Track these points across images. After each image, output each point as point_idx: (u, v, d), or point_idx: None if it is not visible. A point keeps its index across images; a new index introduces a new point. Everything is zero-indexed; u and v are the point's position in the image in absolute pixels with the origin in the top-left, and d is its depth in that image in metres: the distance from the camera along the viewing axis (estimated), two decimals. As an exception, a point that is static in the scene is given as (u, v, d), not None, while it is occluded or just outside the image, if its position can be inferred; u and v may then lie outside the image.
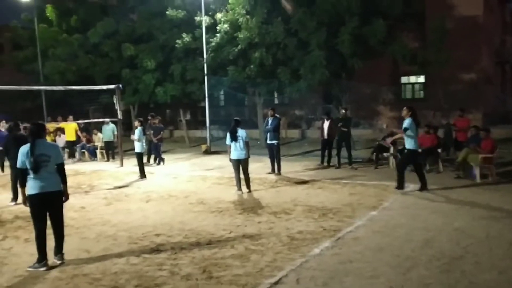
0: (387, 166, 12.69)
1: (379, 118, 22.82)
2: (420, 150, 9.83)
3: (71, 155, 17.03)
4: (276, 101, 24.26)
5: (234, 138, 9.40)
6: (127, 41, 20.87)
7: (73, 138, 16.83)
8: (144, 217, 7.71)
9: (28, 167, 5.29)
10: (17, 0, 23.67)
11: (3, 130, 12.69)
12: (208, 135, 19.12)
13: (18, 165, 5.35)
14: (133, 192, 10.15)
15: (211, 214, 7.72)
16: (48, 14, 23.12)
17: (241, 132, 9.44)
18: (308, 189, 9.79)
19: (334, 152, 13.04)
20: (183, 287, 4.65)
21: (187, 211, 8.07)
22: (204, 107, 19.66)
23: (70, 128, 16.75)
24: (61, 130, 17.34)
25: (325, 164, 13.10)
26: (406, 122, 9.09)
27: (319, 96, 22.82)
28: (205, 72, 18.50)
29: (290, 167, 12.96)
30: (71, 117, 16.97)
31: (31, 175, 5.31)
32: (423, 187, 9.12)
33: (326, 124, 13.04)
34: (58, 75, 21.67)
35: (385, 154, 12.88)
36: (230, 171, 10.25)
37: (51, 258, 5.44)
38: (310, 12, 16.52)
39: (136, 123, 12.49)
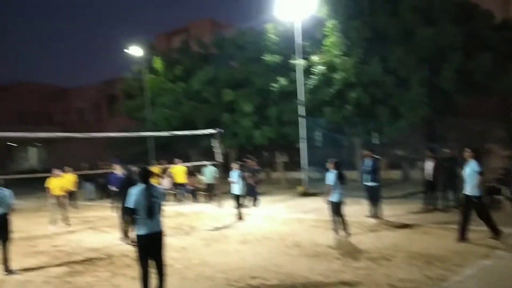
0: (501, 209, 11.57)
1: (489, 158, 21.14)
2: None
3: (180, 197, 17.69)
4: (375, 141, 23.62)
5: (341, 179, 9.24)
6: (226, 87, 21.92)
7: (182, 180, 17.55)
8: (241, 258, 7.76)
9: (141, 208, 5.56)
10: (129, 54, 26.14)
11: (117, 173, 13.66)
12: (305, 176, 19.03)
13: (130, 205, 5.63)
14: (231, 233, 10.31)
15: (307, 258, 7.55)
16: (155, 65, 25.17)
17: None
18: (411, 234, 9.22)
19: (439, 194, 12.22)
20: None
21: (283, 253, 7.97)
22: (301, 149, 19.70)
23: (180, 171, 17.52)
24: (165, 173, 18.31)
25: (430, 207, 12.28)
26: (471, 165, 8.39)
27: (422, 135, 21.78)
28: (302, 113, 18.65)
29: (391, 210, 12.35)
30: (180, 160, 17.77)
31: (142, 216, 5.57)
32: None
33: (430, 164, 12.31)
34: (163, 121, 23.26)
35: (498, 197, 11.78)
36: (327, 213, 10.03)
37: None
38: (409, 49, 16.11)
39: (234, 165, 12.81)
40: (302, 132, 18.78)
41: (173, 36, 38.13)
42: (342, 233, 9.24)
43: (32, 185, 24.97)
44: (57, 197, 12.73)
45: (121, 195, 9.00)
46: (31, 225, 12.97)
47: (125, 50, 26.03)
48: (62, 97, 47.25)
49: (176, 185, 17.71)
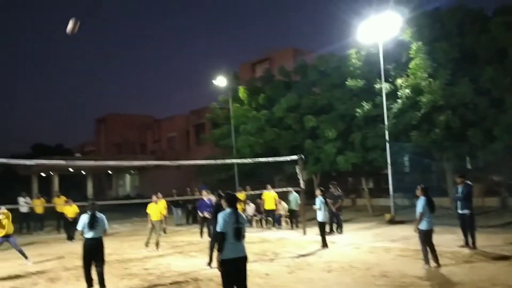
0: None
1: None
2: None
3: (275, 223, 17.47)
4: (468, 166, 22.29)
5: (431, 206, 8.86)
6: (309, 113, 22.01)
7: (271, 207, 17.58)
8: (325, 287, 7.63)
9: (228, 232, 5.71)
10: (215, 84, 27.29)
11: (205, 199, 14.13)
12: (392, 203, 18.36)
13: (219, 229, 5.79)
14: (315, 261, 10.19)
15: (395, 289, 7.25)
16: (240, 95, 25.99)
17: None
18: (510, 267, 8.50)
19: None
20: None
21: (369, 284, 7.72)
22: (387, 174, 19.09)
23: (270, 197, 17.62)
24: (250, 200, 18.62)
25: (532, 237, 11.28)
26: None
27: (520, 159, 20.22)
28: (387, 138, 18.14)
29: (487, 240, 11.50)
30: (269, 186, 17.81)
31: (229, 240, 5.71)
32: None
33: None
34: (248, 148, 23.79)
35: None
36: (416, 242, 9.58)
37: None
38: (502, 68, 15.20)
39: (317, 192, 12.72)
40: (388, 157, 18.22)
41: (257, 65, 39.28)
42: (432, 263, 8.77)
43: (127, 210, 26.65)
44: (154, 222, 13.39)
45: (212, 220, 9.27)
46: (125, 248, 13.74)
47: (213, 81, 27.21)
48: (154, 127, 50.20)
49: (265, 211, 17.77)
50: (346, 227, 15.10)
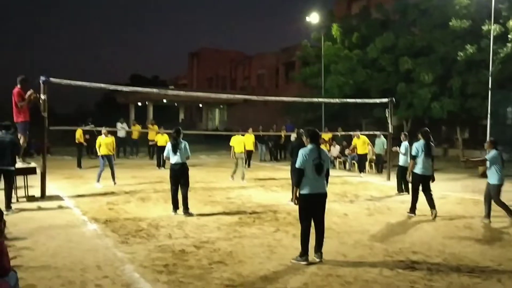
0: None
1: None
2: None
3: (360, 167, 17.15)
4: None
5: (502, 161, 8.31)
6: (405, 54, 20.75)
7: (365, 151, 16.65)
8: (403, 232, 7.50)
9: (308, 168, 5.76)
10: (309, 22, 26.53)
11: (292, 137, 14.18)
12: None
13: (297, 165, 5.87)
14: (396, 206, 10.00)
15: (478, 242, 6.92)
16: (333, 33, 25.04)
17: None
18: None
19: None
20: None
21: (451, 234, 7.44)
22: (486, 125, 17.77)
23: (363, 142, 17.06)
24: (335, 141, 18.43)
25: None
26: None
27: None
28: (490, 86, 16.69)
29: None
30: (358, 132, 17.18)
31: (308, 176, 5.77)
32: None
33: None
34: (337, 88, 23.19)
35: None
36: (508, 198, 8.99)
37: (312, 255, 5.84)
38: None
39: (402, 137, 12.26)
40: (489, 106, 16.84)
41: (353, 2, 37.29)
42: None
43: (214, 143, 27.77)
44: (238, 154, 13.84)
45: (292, 157, 9.38)
46: (210, 178, 14.41)
47: (306, 18, 26.47)
48: (244, 63, 50.54)
49: (358, 156, 17.25)
50: (435, 176, 14.46)
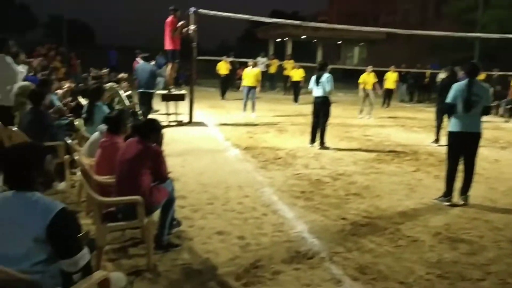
0: None
1: None
2: None
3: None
4: None
5: None
6: None
7: None
8: None
9: (459, 103, 5.30)
10: None
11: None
12: None
13: (448, 100, 5.43)
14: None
15: None
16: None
17: None
18: None
19: None
20: None
21: None
22: None
23: None
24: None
25: None
26: None
27: None
28: None
29: None
30: None
31: (459, 112, 5.32)
32: None
33: None
34: (495, 24, 20.56)
35: None
36: None
37: (455, 197, 5.49)
38: None
39: None
40: None
41: None
42: None
43: (352, 82, 27.07)
44: (368, 90, 13.62)
45: (441, 97, 8.69)
46: (347, 115, 14.12)
47: None
48: (389, -2, 47.24)
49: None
50: None
